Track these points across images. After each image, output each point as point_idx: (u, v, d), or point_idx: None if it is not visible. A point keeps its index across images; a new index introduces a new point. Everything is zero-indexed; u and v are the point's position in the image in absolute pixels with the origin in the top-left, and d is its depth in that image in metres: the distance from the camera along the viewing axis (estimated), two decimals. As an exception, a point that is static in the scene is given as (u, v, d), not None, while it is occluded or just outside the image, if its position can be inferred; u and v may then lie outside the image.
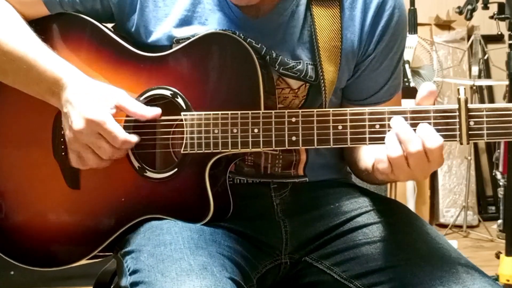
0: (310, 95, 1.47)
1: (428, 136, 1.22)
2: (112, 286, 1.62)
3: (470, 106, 1.24)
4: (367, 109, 1.29)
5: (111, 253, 1.49)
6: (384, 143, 1.27)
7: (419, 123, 1.25)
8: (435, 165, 1.25)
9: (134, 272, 1.28)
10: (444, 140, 1.24)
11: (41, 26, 1.47)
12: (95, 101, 1.35)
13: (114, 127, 1.34)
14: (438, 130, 1.25)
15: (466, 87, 4.65)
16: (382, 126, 1.28)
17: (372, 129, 1.28)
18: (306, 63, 1.44)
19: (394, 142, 1.24)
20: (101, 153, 1.37)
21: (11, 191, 1.53)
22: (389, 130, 1.26)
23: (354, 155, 1.54)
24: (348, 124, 1.29)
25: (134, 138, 1.37)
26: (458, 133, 1.25)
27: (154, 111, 1.38)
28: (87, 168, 1.41)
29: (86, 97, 1.35)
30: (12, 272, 3.29)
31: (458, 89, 1.25)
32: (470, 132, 1.24)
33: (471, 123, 1.24)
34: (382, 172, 1.27)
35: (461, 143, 1.25)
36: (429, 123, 1.25)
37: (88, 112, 1.34)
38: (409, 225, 1.46)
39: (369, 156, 1.44)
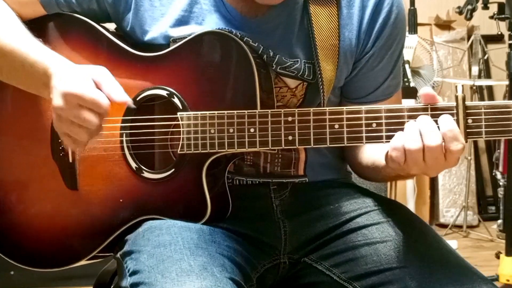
0: (308, 94, 1.47)
1: (451, 138, 1.22)
2: (112, 287, 1.62)
3: (468, 103, 1.23)
4: (363, 108, 1.29)
5: (111, 254, 1.49)
6: (381, 142, 1.28)
7: None
8: (451, 164, 1.24)
9: (134, 273, 1.28)
10: None
11: (38, 26, 1.47)
12: (72, 77, 1.30)
13: (94, 94, 1.28)
14: None
15: (466, 87, 4.66)
16: (378, 124, 1.28)
17: (369, 128, 1.28)
18: (304, 62, 1.44)
19: (414, 134, 1.23)
20: (88, 125, 1.30)
21: (9, 192, 1.53)
22: (386, 129, 1.27)
23: (356, 150, 1.54)
24: (345, 123, 1.29)
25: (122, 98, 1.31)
26: None
27: (124, 98, 1.30)
28: (82, 147, 1.37)
29: (65, 77, 1.31)
30: (12, 272, 3.29)
31: (456, 87, 1.24)
32: (468, 130, 1.23)
33: (469, 121, 1.23)
34: (394, 159, 1.25)
35: None
36: None
37: (65, 87, 1.29)
38: (408, 226, 1.45)
39: (377, 149, 1.43)
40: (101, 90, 1.30)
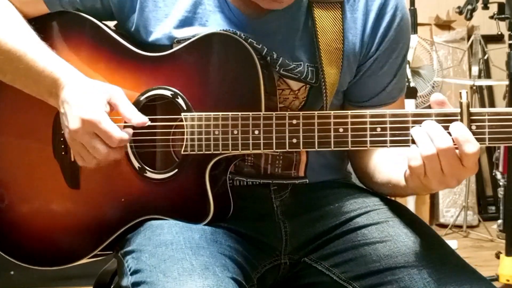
0: (310, 97, 1.47)
1: (464, 141, 1.21)
2: (112, 286, 1.62)
3: (472, 110, 1.23)
4: (368, 112, 1.29)
5: (112, 252, 1.49)
6: (385, 146, 1.28)
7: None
8: (470, 170, 1.23)
9: (136, 272, 1.28)
10: None
11: (41, 25, 1.47)
12: (90, 100, 1.33)
13: (109, 126, 1.32)
14: None
15: (466, 87, 4.65)
16: (383, 129, 1.27)
17: (373, 132, 1.28)
18: (307, 65, 1.44)
19: (425, 139, 1.22)
20: (95, 154, 1.35)
21: (11, 190, 1.53)
22: (390, 134, 1.26)
23: (369, 168, 1.53)
24: (349, 127, 1.29)
25: (126, 136, 1.34)
26: None
27: (141, 119, 1.35)
28: (88, 166, 1.40)
29: (82, 96, 1.34)
30: (12, 272, 3.29)
31: (461, 93, 1.24)
32: None
33: (473, 127, 1.23)
34: (414, 171, 1.24)
35: None
36: None
37: (83, 112, 1.32)
38: (408, 226, 1.45)
39: (393, 167, 1.42)
40: (117, 111, 1.34)
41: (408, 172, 1.27)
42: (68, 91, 1.36)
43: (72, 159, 1.44)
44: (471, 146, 1.20)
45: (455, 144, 1.21)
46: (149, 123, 1.37)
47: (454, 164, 1.21)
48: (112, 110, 1.35)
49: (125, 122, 1.36)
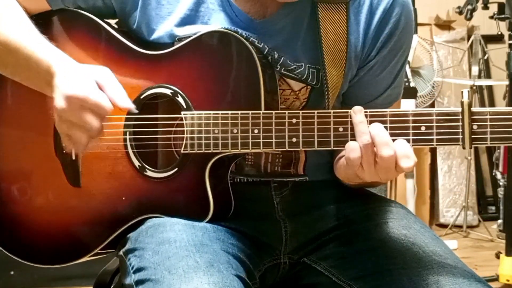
0: (311, 98, 1.47)
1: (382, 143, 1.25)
2: (112, 286, 1.62)
3: (473, 109, 1.23)
4: (368, 111, 1.29)
5: (113, 250, 1.49)
6: None
7: (422, 126, 1.25)
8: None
9: (139, 270, 1.28)
10: (447, 144, 1.24)
11: (42, 21, 1.46)
12: (76, 78, 1.31)
13: (97, 97, 1.29)
14: (440, 134, 1.25)
15: (466, 87, 4.65)
16: (383, 128, 1.27)
17: None
18: (308, 67, 1.44)
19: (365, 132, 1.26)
20: (88, 127, 1.31)
21: (13, 188, 1.52)
22: (390, 133, 1.26)
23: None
24: (349, 126, 1.29)
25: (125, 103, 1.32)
26: (461, 137, 1.24)
27: (127, 104, 1.32)
28: (82, 149, 1.37)
29: (69, 77, 1.32)
30: (12, 272, 3.28)
31: (462, 92, 1.24)
32: (473, 136, 1.23)
33: (475, 126, 1.23)
34: (351, 163, 1.27)
35: (464, 147, 1.25)
36: (432, 127, 1.25)
37: (69, 89, 1.29)
38: (407, 228, 1.45)
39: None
40: (104, 93, 1.31)
41: (344, 163, 1.31)
42: (58, 77, 1.33)
43: (64, 150, 1.43)
44: (388, 149, 1.24)
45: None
46: (135, 111, 1.35)
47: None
48: (118, 111, 1.34)
49: (126, 120, 1.36)
